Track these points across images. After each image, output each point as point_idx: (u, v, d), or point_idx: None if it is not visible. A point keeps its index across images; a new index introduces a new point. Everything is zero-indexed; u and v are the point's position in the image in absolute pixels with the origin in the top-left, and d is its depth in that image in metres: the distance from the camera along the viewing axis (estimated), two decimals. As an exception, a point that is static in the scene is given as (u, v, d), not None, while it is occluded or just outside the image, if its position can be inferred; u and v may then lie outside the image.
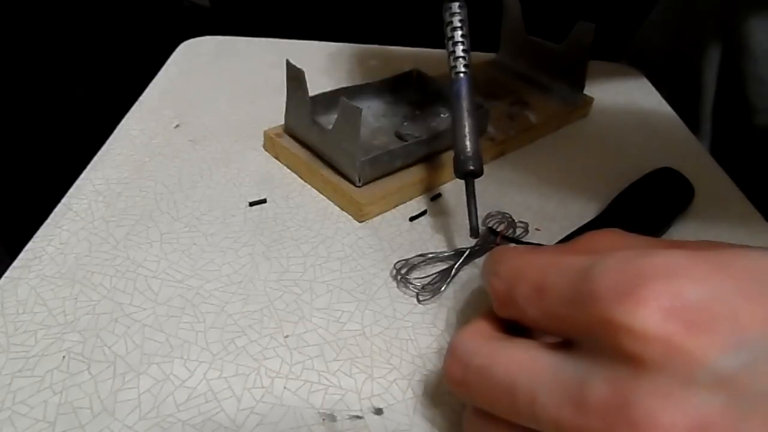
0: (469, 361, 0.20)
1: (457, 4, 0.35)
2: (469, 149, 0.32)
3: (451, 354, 0.21)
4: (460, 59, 0.34)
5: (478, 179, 0.32)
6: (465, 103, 0.33)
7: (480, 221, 0.34)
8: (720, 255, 0.17)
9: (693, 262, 0.16)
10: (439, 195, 0.37)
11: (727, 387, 0.15)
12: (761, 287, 0.16)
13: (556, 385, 0.17)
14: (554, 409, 0.17)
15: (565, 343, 0.18)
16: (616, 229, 0.22)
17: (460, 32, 0.34)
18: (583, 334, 0.17)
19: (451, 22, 0.35)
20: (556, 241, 0.32)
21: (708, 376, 0.15)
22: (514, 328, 0.21)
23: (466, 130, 0.32)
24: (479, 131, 0.33)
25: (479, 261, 0.32)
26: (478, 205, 0.31)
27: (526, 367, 0.18)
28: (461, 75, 0.34)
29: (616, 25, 0.72)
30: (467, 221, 0.31)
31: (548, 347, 0.19)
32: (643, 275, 0.16)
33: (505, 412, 0.19)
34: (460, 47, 0.34)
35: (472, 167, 0.31)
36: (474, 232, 0.31)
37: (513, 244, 0.33)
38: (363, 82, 0.42)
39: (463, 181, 0.32)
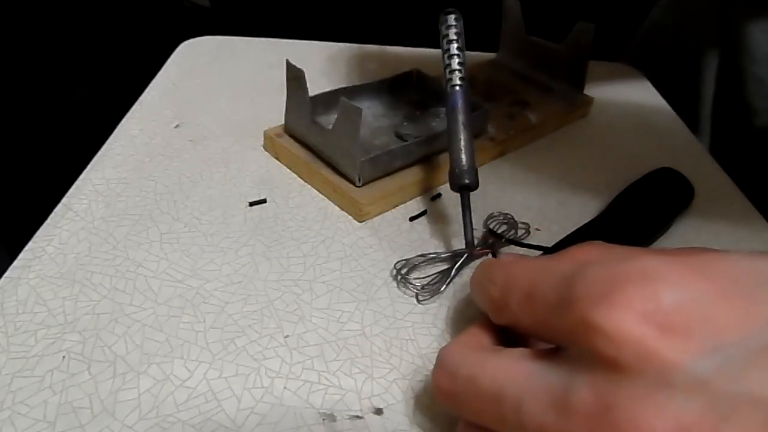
0: (456, 372, 0.20)
1: (453, 16, 0.35)
2: (464, 162, 0.32)
3: (440, 366, 0.21)
4: (456, 72, 0.34)
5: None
6: (461, 117, 0.33)
7: (481, 222, 0.34)
8: (699, 258, 0.17)
9: (670, 266, 0.17)
10: (439, 195, 0.37)
11: (704, 390, 0.15)
12: (740, 290, 0.16)
13: (541, 391, 0.17)
14: (539, 415, 0.17)
15: (555, 350, 0.19)
16: (599, 242, 0.22)
17: (455, 45, 0.35)
18: (567, 340, 0.18)
19: (447, 35, 0.35)
20: (554, 243, 0.32)
21: (684, 379, 0.15)
22: (506, 338, 0.22)
23: (462, 143, 0.33)
24: (473, 146, 0.33)
25: (480, 262, 0.32)
26: (473, 217, 0.31)
27: (512, 374, 0.18)
28: (457, 88, 0.34)
29: (616, 25, 0.72)
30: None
31: (535, 355, 0.19)
32: (620, 279, 0.16)
33: (493, 422, 0.19)
34: (456, 60, 0.35)
35: (467, 181, 0.32)
36: (469, 245, 0.31)
37: (512, 247, 0.33)
38: (363, 82, 0.42)
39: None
